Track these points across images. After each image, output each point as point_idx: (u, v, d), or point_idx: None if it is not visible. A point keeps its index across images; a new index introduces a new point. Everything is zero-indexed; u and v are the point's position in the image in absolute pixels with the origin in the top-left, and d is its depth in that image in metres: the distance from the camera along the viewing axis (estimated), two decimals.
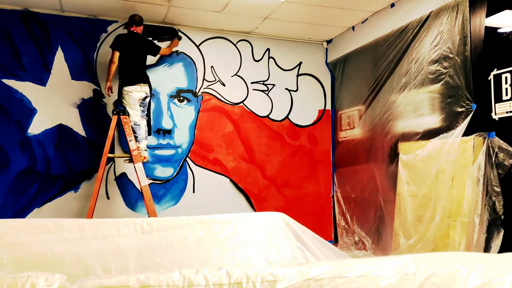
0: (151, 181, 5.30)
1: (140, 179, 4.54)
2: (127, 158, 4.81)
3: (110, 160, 5.11)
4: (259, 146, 5.84)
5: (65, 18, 5.08)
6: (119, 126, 4.89)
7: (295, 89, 6.09)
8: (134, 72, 4.77)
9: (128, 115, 4.68)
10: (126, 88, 4.69)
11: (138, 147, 4.61)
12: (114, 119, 4.67)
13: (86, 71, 5.14)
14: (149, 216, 4.41)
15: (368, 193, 5.19)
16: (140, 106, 4.76)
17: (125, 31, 5.24)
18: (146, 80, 4.84)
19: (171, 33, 5.51)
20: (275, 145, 5.92)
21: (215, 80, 5.70)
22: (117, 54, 4.71)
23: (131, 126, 4.65)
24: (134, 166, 4.56)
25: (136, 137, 4.66)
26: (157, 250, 2.86)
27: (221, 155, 5.66)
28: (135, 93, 4.69)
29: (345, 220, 5.67)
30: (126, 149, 5.03)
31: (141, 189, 4.58)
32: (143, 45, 4.95)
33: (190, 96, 5.56)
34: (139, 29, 4.94)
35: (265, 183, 5.84)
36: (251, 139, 5.81)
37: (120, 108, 4.77)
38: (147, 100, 4.87)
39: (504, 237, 3.36)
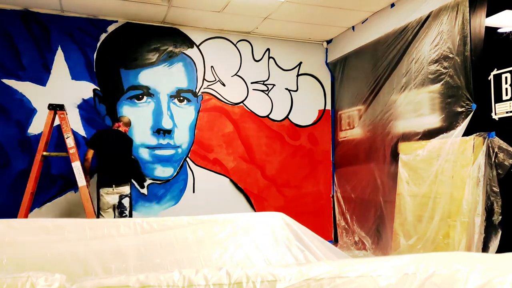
0: (151, 181, 5.30)
1: (77, 179, 4.26)
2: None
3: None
4: (259, 146, 5.83)
5: (65, 18, 5.08)
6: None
7: (295, 89, 6.09)
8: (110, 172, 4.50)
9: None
10: (100, 190, 4.45)
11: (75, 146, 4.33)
12: (50, 115, 4.39)
13: (86, 71, 5.14)
14: (86, 217, 4.16)
15: (368, 193, 5.19)
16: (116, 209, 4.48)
17: (124, 32, 5.26)
18: (123, 181, 4.55)
19: (172, 33, 5.51)
20: (275, 145, 5.92)
21: (215, 80, 5.70)
22: (90, 152, 4.52)
23: None
24: (72, 165, 4.29)
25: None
26: (157, 250, 2.85)
27: (221, 155, 5.66)
28: (105, 196, 4.43)
29: (345, 220, 5.67)
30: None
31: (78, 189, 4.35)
32: (124, 141, 4.71)
33: (190, 96, 5.56)
34: (123, 128, 4.75)
35: (265, 183, 5.84)
36: (251, 139, 5.81)
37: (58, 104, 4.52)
38: (126, 200, 4.55)
39: (502, 237, 3.36)
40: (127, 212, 4.53)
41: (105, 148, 4.56)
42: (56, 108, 4.39)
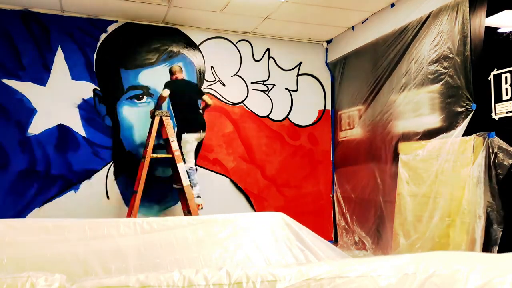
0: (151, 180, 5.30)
1: (182, 179, 4.60)
2: (178, 186, 4.89)
3: (110, 160, 5.13)
4: (259, 146, 5.83)
5: (65, 18, 5.07)
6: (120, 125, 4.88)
7: (295, 89, 6.09)
8: (191, 119, 4.88)
9: (184, 161, 4.77)
10: (185, 136, 4.79)
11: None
12: (157, 120, 4.71)
13: (86, 71, 5.14)
14: (191, 215, 4.47)
15: (368, 193, 5.19)
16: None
17: (124, 32, 5.27)
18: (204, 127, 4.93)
19: (172, 33, 5.51)
20: (275, 145, 5.91)
21: (215, 80, 5.70)
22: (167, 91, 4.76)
23: (187, 171, 4.72)
24: (177, 166, 4.63)
25: (191, 181, 4.74)
26: (157, 250, 2.86)
27: (221, 155, 5.65)
28: (193, 142, 4.83)
29: (345, 220, 5.67)
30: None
31: (183, 188, 4.66)
32: (192, 89, 5.04)
33: None
34: (180, 75, 5.04)
35: (265, 183, 5.84)
36: (251, 139, 5.81)
37: (162, 109, 4.89)
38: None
39: (504, 237, 3.36)
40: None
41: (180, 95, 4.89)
42: (162, 115, 4.75)
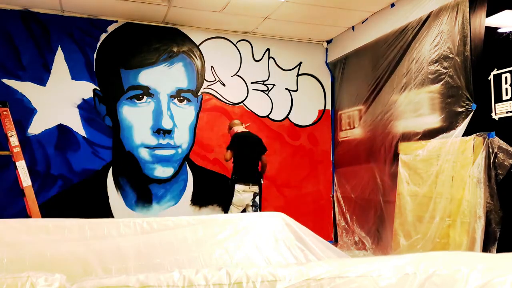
0: (156, 182, 5.30)
1: (22, 179, 4.04)
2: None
3: (110, 160, 5.13)
4: None
5: (65, 18, 5.08)
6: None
7: (295, 89, 6.09)
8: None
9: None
10: (237, 187, 4.76)
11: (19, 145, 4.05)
12: None
13: (86, 71, 5.14)
14: (31, 217, 3.97)
15: (368, 193, 5.19)
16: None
17: (124, 32, 5.26)
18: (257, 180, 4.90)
19: (172, 33, 5.51)
20: (275, 145, 5.91)
21: (215, 80, 5.70)
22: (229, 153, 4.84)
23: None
24: (16, 164, 4.07)
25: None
26: (157, 250, 2.86)
27: (221, 155, 5.64)
28: (242, 194, 4.74)
29: (345, 220, 5.67)
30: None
31: (23, 189, 4.11)
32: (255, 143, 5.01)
33: (190, 96, 5.56)
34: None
35: (265, 183, 5.82)
36: None
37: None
38: (258, 198, 4.89)
39: (502, 237, 3.36)
40: (258, 209, 4.89)
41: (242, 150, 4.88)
42: None
